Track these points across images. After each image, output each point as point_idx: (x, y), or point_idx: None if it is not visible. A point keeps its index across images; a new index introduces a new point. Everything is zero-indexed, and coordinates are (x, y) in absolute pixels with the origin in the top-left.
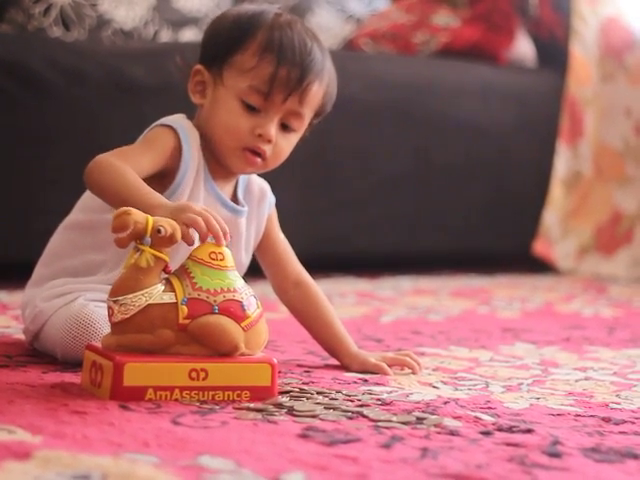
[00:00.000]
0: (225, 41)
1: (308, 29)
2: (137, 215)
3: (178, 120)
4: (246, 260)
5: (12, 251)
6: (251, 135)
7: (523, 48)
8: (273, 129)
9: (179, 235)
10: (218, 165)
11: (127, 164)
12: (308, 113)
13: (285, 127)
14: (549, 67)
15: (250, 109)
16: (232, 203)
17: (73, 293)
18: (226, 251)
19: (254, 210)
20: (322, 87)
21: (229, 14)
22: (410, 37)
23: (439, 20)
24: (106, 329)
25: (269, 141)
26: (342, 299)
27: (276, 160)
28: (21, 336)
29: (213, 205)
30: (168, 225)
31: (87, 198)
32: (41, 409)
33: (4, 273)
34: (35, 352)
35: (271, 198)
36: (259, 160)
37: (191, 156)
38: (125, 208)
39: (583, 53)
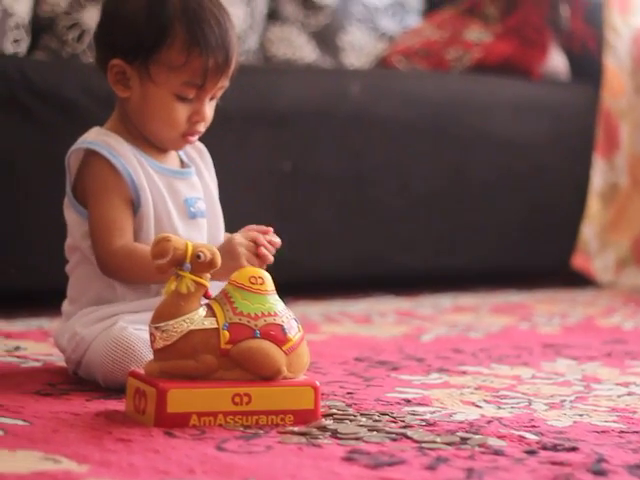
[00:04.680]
0: (144, 37)
1: None
2: (176, 241)
3: (95, 140)
4: (219, 211)
5: (52, 277)
6: (189, 122)
7: (556, 62)
8: (207, 110)
9: (219, 260)
10: (154, 147)
11: (127, 237)
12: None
13: (210, 98)
14: (583, 80)
15: (184, 100)
16: (180, 169)
17: (113, 317)
18: (266, 275)
19: (200, 164)
20: (237, 53)
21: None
22: (443, 53)
23: (471, 36)
24: (146, 352)
25: (204, 121)
26: (382, 318)
27: (205, 128)
28: (63, 364)
29: (169, 180)
30: (207, 250)
31: (71, 236)
32: (86, 437)
33: (46, 300)
34: (78, 379)
35: (205, 150)
36: (196, 139)
37: (127, 163)
38: (164, 235)
39: (616, 65)
